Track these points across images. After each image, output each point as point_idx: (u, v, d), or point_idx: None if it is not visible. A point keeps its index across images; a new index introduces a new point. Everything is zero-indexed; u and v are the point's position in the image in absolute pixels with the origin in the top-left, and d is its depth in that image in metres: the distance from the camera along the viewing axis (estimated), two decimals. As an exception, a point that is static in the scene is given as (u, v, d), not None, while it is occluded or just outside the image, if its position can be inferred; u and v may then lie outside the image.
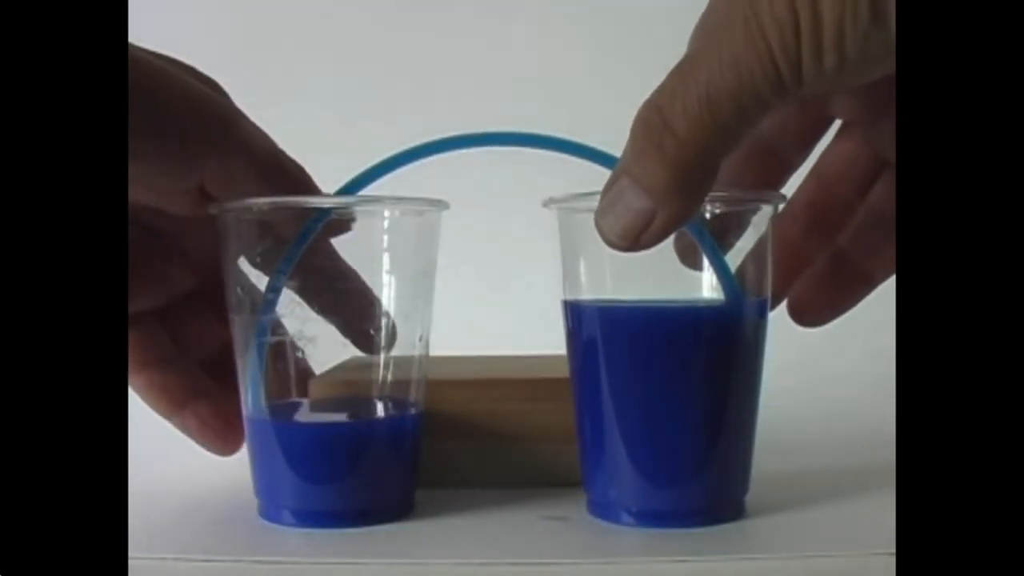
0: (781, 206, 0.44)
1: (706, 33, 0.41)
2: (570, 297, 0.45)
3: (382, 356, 0.45)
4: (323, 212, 0.43)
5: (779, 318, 0.46)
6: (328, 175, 0.46)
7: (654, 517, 0.42)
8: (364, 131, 0.79)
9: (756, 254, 0.44)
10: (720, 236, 0.43)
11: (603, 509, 0.44)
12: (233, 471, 0.46)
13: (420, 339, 0.45)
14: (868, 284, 0.47)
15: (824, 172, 0.47)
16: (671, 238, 0.40)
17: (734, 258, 0.43)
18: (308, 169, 0.46)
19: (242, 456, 0.45)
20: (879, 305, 0.47)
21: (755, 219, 0.43)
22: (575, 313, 0.44)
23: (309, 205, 0.43)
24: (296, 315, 0.44)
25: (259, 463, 0.44)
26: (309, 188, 0.45)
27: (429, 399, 0.46)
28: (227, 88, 0.46)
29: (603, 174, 0.46)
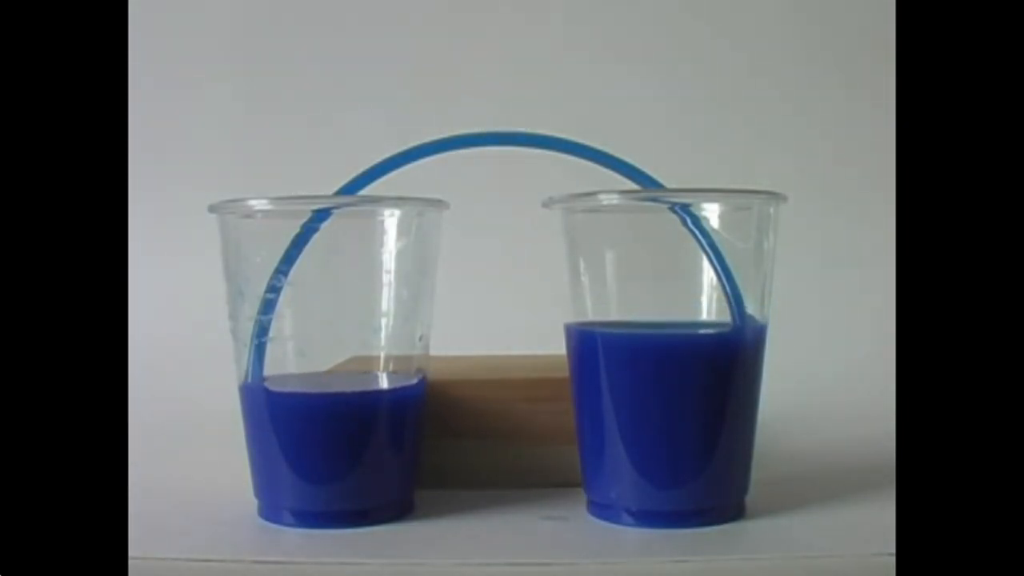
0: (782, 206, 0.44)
1: None
2: (573, 292, 0.44)
3: (382, 356, 0.45)
4: (323, 212, 0.43)
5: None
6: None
7: (654, 517, 0.42)
8: (364, 131, 0.79)
9: (758, 261, 0.43)
10: (722, 239, 0.42)
11: (603, 510, 0.44)
12: (233, 471, 0.46)
13: (420, 339, 0.45)
14: None
15: None
16: (672, 240, 0.39)
17: (736, 260, 0.43)
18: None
19: (242, 456, 0.45)
20: (879, 306, 0.47)
21: (757, 221, 0.43)
22: (576, 337, 0.44)
23: (309, 205, 0.43)
24: (296, 315, 0.44)
25: (257, 451, 0.44)
26: None
27: (429, 399, 0.46)
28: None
29: (603, 174, 0.46)
